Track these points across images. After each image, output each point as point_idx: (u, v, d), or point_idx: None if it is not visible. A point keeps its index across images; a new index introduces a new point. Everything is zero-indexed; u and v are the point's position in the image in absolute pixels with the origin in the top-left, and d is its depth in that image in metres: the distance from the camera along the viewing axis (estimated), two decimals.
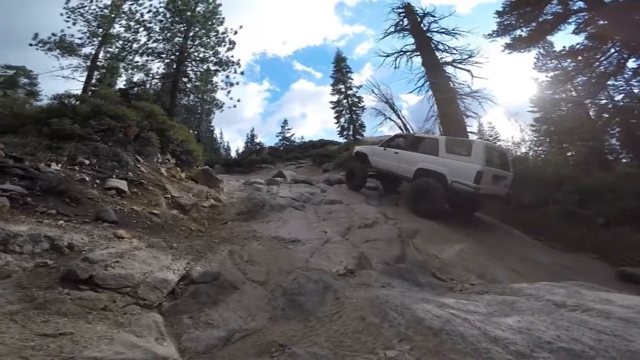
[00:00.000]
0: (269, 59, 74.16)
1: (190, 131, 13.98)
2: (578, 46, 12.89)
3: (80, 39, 15.23)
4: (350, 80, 26.10)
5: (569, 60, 22.78)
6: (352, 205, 7.50)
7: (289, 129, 29.81)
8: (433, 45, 15.86)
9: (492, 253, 5.61)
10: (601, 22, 11.61)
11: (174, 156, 8.84)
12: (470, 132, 15.21)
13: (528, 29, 13.61)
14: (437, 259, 5.00)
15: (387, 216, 6.79)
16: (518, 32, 13.97)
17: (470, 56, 14.50)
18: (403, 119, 15.35)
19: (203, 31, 18.33)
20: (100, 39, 15.78)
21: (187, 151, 9.08)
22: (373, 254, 4.71)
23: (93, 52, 15.90)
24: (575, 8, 12.22)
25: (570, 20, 12.47)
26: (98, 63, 16.54)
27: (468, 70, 15.30)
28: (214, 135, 36.84)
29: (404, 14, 16.53)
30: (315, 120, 66.19)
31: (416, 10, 16.12)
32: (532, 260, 5.69)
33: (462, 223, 7.18)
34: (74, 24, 15.01)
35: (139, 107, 8.15)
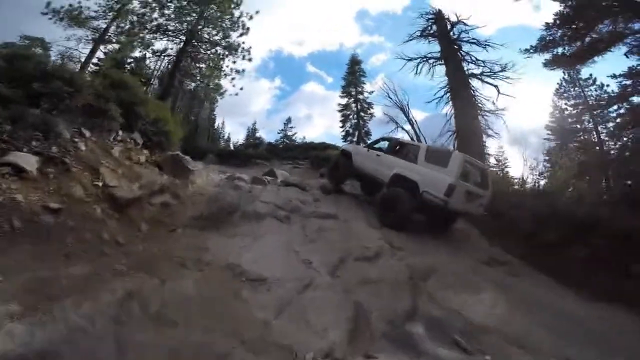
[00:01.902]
0: (284, 57, 72.87)
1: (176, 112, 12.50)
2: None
3: (95, 11, 14.43)
4: (362, 85, 24.65)
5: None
6: (350, 222, 5.95)
7: (291, 127, 28.23)
8: (460, 56, 14.44)
9: (525, 307, 4.12)
10: None
11: (145, 136, 7.32)
12: (489, 154, 13.74)
13: (571, 47, 12.27)
14: (461, 315, 3.55)
15: (393, 244, 5.24)
16: (560, 49, 12.66)
17: (503, 69, 13.01)
18: (417, 129, 13.84)
19: (218, 13, 17.09)
20: (115, 13, 14.81)
21: (162, 132, 7.54)
22: (373, 305, 3.24)
23: (104, 25, 14.96)
24: (634, 28, 10.75)
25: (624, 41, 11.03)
26: (107, 37, 15.54)
27: (495, 86, 13.81)
28: (215, 124, 35.32)
29: (433, 20, 15.17)
30: (319, 124, 64.79)
31: (447, 17, 14.74)
32: (568, 315, 4.21)
33: (480, 261, 5.94)
34: None
35: (108, 74, 6.68)
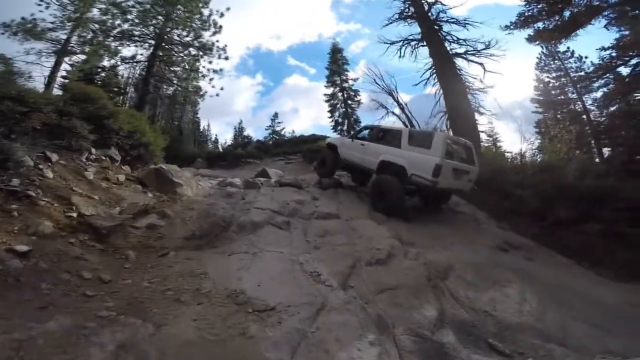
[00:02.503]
0: (263, 53, 71.34)
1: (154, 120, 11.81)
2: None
3: (52, 23, 13.37)
4: (346, 73, 24.13)
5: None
6: (354, 221, 5.60)
7: (279, 123, 27.64)
8: (442, 36, 14.09)
9: (555, 297, 3.88)
10: None
11: (122, 151, 6.79)
12: (483, 131, 13.51)
13: (549, 21, 12.25)
14: (491, 315, 3.30)
15: (403, 240, 4.93)
16: (540, 24, 12.60)
17: (487, 47, 12.70)
18: (408, 113, 13.50)
19: (186, 13, 16.28)
20: (74, 23, 13.85)
21: (140, 144, 7.02)
22: (396, 317, 2.94)
23: (65, 37, 14.03)
24: (610, 1, 10.65)
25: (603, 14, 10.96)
26: (69, 48, 14.61)
27: (480, 64, 13.52)
28: (200, 127, 34.37)
29: (409, 2, 14.72)
30: (306, 116, 63.99)
31: None
32: (598, 302, 4.00)
33: (494, 247, 5.75)
34: (47, 7, 13.16)
35: (68, 88, 6.11)
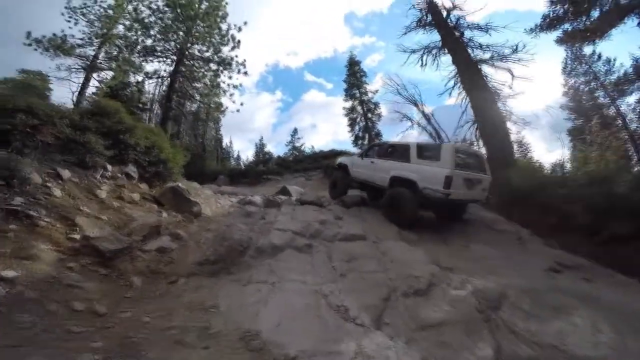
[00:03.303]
0: (281, 70, 73.54)
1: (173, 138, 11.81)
2: None
3: (81, 39, 14.27)
4: (365, 85, 23.80)
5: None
6: (383, 243, 5.00)
7: (298, 138, 27.55)
8: (464, 42, 13.53)
9: (630, 324, 3.17)
10: None
11: (140, 168, 6.62)
12: (515, 142, 12.58)
13: (577, 22, 11.62)
14: (560, 351, 2.71)
15: (441, 265, 4.28)
16: (567, 26, 11.96)
17: (515, 51, 11.97)
18: (435, 124, 12.84)
19: (205, 28, 16.76)
20: (101, 39, 14.70)
21: (159, 161, 6.84)
22: (444, 359, 2.30)
23: (93, 52, 14.85)
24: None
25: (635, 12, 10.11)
26: (97, 63, 15.33)
27: (508, 69, 12.77)
28: (223, 144, 35.01)
29: (426, 10, 14.35)
30: (325, 131, 64.33)
31: (442, 4, 13.90)
32: None
33: (547, 268, 5.02)
34: (75, 24, 14.12)
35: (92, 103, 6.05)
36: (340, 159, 9.32)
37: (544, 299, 3.60)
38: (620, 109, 21.64)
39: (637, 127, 19.95)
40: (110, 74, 15.37)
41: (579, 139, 22.96)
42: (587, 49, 22.34)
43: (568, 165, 11.69)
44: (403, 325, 2.88)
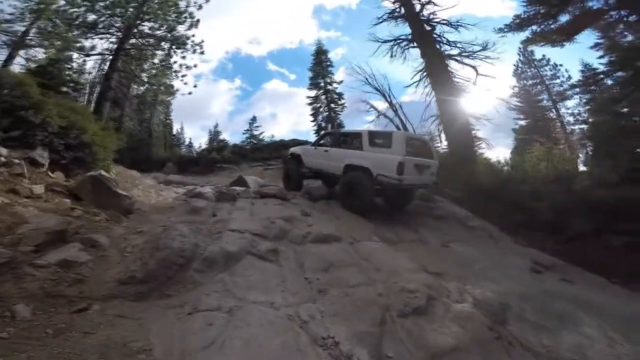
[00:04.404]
0: (242, 58, 69.72)
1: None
2: None
3: (11, 14, 12.21)
4: (331, 75, 23.04)
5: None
6: (360, 245, 4.30)
7: (257, 127, 25.87)
8: (434, 37, 13.40)
9: (632, 328, 2.99)
10: None
11: (55, 153, 5.16)
12: (477, 137, 12.74)
13: (544, 25, 11.98)
14: None
15: (429, 269, 3.72)
16: (535, 27, 12.28)
17: (484, 48, 12.01)
18: (402, 116, 12.54)
19: (159, 4, 14.72)
20: (35, 15, 12.60)
21: (80, 144, 5.41)
22: None
23: (23, 28, 12.80)
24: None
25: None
26: (27, 40, 13.13)
27: (473, 67, 12.83)
28: (173, 130, 31.98)
29: (399, 2, 13.99)
30: (286, 121, 62.58)
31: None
32: None
33: (532, 270, 4.85)
34: None
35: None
36: (292, 149, 9.12)
37: (543, 306, 3.29)
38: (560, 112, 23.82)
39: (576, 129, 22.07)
40: (40, 51, 13.00)
41: (524, 138, 24.81)
42: (538, 54, 24.15)
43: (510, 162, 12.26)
44: (411, 358, 2.21)
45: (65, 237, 3.03)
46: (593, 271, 5.48)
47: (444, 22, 13.27)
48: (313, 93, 23.51)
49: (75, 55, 14.16)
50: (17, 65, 13.02)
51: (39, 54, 13.26)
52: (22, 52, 12.95)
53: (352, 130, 8.26)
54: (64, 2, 13.16)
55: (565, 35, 11.01)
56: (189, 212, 4.90)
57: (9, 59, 12.37)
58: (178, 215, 4.75)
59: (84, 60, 15.16)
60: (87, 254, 2.96)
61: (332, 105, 22.80)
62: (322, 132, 8.49)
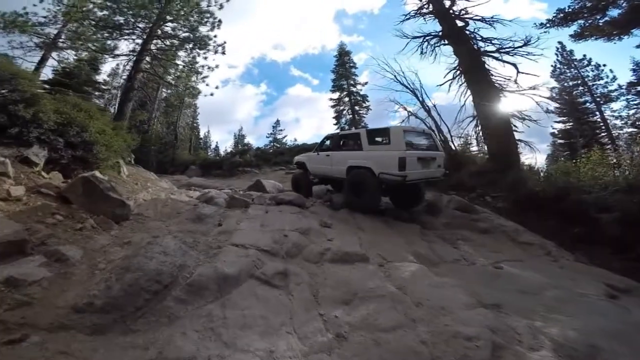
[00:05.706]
0: (267, 63, 71.04)
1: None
2: None
3: (44, 17, 12.64)
4: (354, 77, 22.20)
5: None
6: (393, 267, 3.45)
7: (281, 130, 25.51)
8: (468, 33, 12.32)
9: None
10: None
11: (53, 151, 4.76)
12: (520, 140, 11.36)
13: (591, 20, 11.09)
14: None
15: (484, 300, 2.80)
16: (581, 22, 11.37)
17: (526, 43, 10.72)
18: (436, 117, 11.52)
19: (181, 4, 14.80)
20: (68, 17, 13.05)
21: (83, 143, 4.98)
22: None
23: (56, 31, 13.14)
24: None
25: None
26: (58, 42, 13.44)
27: (513, 64, 11.53)
28: (200, 134, 32.52)
29: None
30: (308, 125, 62.52)
31: None
32: None
33: (607, 295, 3.68)
34: (40, 1, 12.50)
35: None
36: (297, 157, 8.97)
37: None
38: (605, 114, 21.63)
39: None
40: (71, 53, 13.41)
41: (566, 142, 22.65)
42: (578, 54, 22.29)
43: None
44: None
45: (25, 248, 2.46)
46: None
47: (478, 18, 12.19)
48: (336, 95, 22.83)
49: (100, 57, 14.44)
50: (49, 67, 13.65)
51: (71, 56, 13.78)
52: (54, 54, 13.34)
53: (350, 131, 8.11)
54: (92, 5, 13.31)
55: (620, 28, 9.64)
56: (192, 220, 4.28)
57: (42, 60, 12.70)
58: (179, 224, 4.14)
59: (115, 63, 15.54)
60: (47, 270, 2.35)
61: (356, 107, 21.91)
62: (324, 137, 8.23)
